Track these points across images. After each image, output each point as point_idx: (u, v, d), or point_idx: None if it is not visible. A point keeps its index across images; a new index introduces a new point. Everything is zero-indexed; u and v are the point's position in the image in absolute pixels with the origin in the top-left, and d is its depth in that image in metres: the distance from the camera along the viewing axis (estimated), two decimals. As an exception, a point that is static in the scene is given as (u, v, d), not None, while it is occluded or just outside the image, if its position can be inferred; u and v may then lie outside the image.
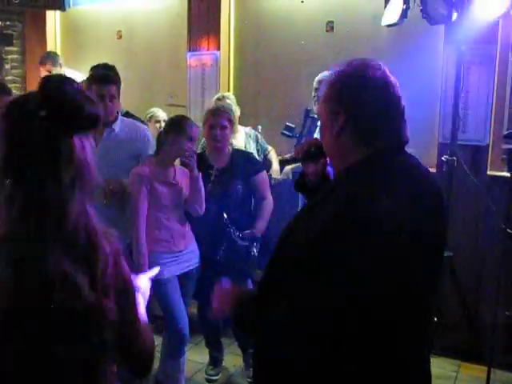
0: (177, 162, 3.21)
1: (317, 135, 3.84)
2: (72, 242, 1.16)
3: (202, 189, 3.13)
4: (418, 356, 1.45)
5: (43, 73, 5.36)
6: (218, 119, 3.30)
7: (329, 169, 1.74)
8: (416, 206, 1.34)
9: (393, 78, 1.43)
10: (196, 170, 3.08)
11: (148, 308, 1.44)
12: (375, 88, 1.39)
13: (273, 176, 4.08)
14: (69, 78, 1.22)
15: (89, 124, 1.18)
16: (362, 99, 1.38)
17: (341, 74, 1.44)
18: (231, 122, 3.35)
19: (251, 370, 3.57)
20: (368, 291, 1.25)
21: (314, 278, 1.28)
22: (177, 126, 3.08)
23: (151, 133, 4.12)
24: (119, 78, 3.57)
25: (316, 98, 3.77)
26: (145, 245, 3.01)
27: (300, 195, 3.79)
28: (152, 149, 3.27)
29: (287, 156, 1.92)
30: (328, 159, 1.64)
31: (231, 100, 4.14)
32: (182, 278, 3.18)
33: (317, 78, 3.82)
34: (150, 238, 3.05)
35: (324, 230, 1.28)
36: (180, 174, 3.17)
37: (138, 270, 2.96)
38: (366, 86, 1.39)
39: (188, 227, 3.21)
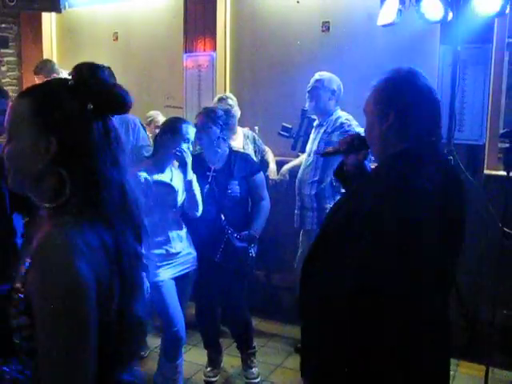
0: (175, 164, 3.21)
1: (314, 135, 3.84)
2: (131, 218, 1.29)
3: (197, 191, 3.13)
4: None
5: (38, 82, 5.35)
6: (198, 120, 3.33)
7: (366, 162, 1.98)
8: (447, 191, 1.61)
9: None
10: (190, 173, 3.08)
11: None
12: (421, 93, 1.65)
13: (270, 177, 4.08)
14: (98, 66, 1.31)
15: (125, 109, 1.32)
16: (409, 102, 1.64)
17: (390, 80, 1.68)
18: (214, 121, 3.32)
19: (249, 370, 3.58)
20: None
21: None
22: (172, 127, 3.09)
23: (151, 137, 4.12)
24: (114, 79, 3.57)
25: (310, 95, 3.78)
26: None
27: (297, 196, 3.80)
28: (143, 139, 3.27)
29: (330, 149, 2.18)
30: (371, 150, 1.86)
31: (233, 101, 4.12)
32: (179, 280, 3.17)
33: (313, 78, 3.82)
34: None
35: (378, 201, 1.54)
36: (177, 176, 3.17)
37: None
38: (413, 91, 1.65)
39: (185, 229, 3.21)
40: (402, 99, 1.64)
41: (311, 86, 3.79)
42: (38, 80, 5.28)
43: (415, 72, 1.68)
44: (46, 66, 5.33)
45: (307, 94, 3.81)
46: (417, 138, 1.64)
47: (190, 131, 3.09)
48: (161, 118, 4.64)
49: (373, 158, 1.92)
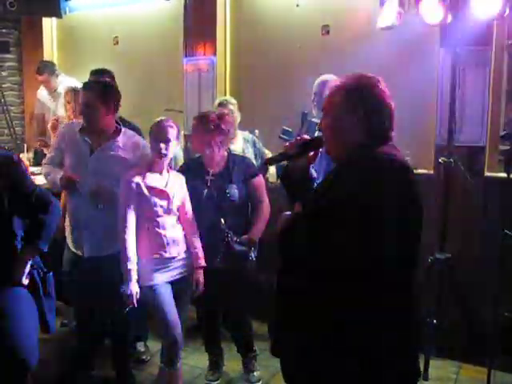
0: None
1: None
2: None
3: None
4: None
5: (40, 82, 5.40)
6: (192, 123, 3.33)
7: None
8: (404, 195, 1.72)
9: None
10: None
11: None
12: (384, 98, 1.80)
13: (269, 180, 4.07)
14: None
15: None
16: (375, 104, 1.79)
17: (361, 82, 1.82)
18: (206, 126, 3.28)
19: (250, 374, 3.57)
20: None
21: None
22: (151, 131, 3.09)
23: None
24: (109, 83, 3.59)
25: (316, 102, 3.74)
26: (132, 251, 2.98)
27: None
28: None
29: (275, 155, 2.04)
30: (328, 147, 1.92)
31: (233, 105, 4.12)
32: (177, 284, 3.15)
33: (316, 83, 3.80)
34: (141, 245, 3.03)
35: (352, 192, 1.66)
36: (174, 180, 3.15)
37: (126, 275, 2.96)
38: (380, 95, 1.80)
39: (182, 233, 3.19)
40: (370, 99, 1.79)
41: (320, 94, 3.67)
42: (40, 79, 5.34)
43: (379, 79, 1.83)
44: (48, 66, 5.39)
45: (315, 102, 3.74)
46: (379, 137, 1.80)
47: (168, 130, 3.05)
48: None
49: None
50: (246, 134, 4.24)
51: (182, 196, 3.16)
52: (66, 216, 3.35)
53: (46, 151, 5.27)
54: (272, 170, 4.19)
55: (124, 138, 3.24)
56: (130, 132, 3.36)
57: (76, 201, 3.21)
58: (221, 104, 4.08)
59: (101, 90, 3.17)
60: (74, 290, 3.33)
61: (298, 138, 1.98)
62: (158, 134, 3.04)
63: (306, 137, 1.98)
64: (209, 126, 3.26)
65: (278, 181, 4.06)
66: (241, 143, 4.12)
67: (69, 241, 3.31)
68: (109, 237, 3.13)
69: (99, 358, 3.59)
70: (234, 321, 3.61)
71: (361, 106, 1.79)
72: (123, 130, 3.27)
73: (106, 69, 3.88)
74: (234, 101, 4.20)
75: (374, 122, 1.80)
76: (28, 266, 2.80)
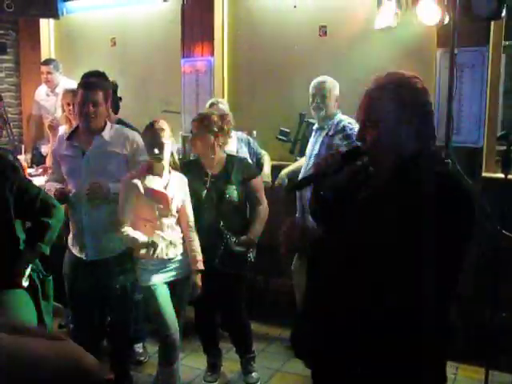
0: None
1: (313, 139, 3.81)
2: None
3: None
4: None
5: (43, 73, 5.41)
6: (192, 126, 3.33)
7: None
8: None
9: None
10: None
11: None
12: (426, 92, 1.70)
13: (263, 179, 4.06)
14: None
15: None
16: (429, 108, 1.71)
17: (410, 83, 1.67)
18: (208, 128, 3.28)
19: (249, 375, 3.57)
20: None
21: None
22: (144, 136, 3.12)
23: None
24: (108, 85, 3.56)
25: (315, 104, 3.72)
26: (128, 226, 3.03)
27: (297, 200, 3.77)
28: (141, 155, 3.26)
29: (307, 176, 1.89)
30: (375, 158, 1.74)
31: (224, 105, 4.12)
32: (175, 285, 3.15)
33: (313, 84, 3.79)
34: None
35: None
36: (175, 182, 3.15)
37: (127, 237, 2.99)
38: (428, 97, 1.70)
39: (180, 235, 3.19)
40: (424, 104, 1.68)
41: (318, 95, 3.72)
42: (44, 71, 5.35)
43: (418, 77, 1.71)
44: (55, 61, 5.42)
45: (313, 104, 3.73)
46: (429, 144, 1.71)
47: (162, 135, 3.03)
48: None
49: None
50: (240, 133, 4.23)
51: (182, 198, 3.16)
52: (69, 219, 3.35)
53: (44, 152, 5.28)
54: (266, 170, 4.17)
55: (111, 132, 3.24)
56: (117, 126, 3.36)
57: (77, 205, 3.21)
58: (212, 105, 4.10)
59: (105, 89, 3.20)
60: (74, 293, 3.32)
61: (337, 151, 1.84)
62: (152, 140, 3.03)
63: (341, 150, 1.86)
64: (212, 128, 3.26)
65: (275, 183, 4.08)
66: (235, 143, 4.11)
67: (70, 244, 3.31)
68: (110, 239, 3.14)
69: (97, 359, 3.59)
70: (232, 322, 3.61)
71: (415, 113, 1.64)
72: (109, 124, 3.27)
73: (96, 70, 3.84)
74: (224, 101, 4.21)
75: (424, 129, 1.67)
76: (29, 269, 2.81)
